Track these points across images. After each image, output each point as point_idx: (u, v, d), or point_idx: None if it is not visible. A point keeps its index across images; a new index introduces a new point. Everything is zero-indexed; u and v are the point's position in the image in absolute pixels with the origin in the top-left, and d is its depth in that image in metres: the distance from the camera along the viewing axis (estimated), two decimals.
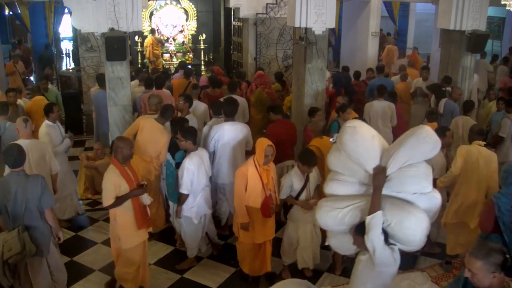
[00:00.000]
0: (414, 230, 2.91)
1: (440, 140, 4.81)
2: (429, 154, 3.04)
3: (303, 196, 4.67)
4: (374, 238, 2.94)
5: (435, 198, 3.08)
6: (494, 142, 6.39)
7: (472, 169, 4.79)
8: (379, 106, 7.11)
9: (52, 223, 4.05)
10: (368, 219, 2.95)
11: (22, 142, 4.59)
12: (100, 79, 8.08)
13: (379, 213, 2.93)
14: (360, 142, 3.05)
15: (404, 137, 3.07)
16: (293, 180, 4.64)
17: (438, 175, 4.88)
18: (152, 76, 8.24)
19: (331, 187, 3.26)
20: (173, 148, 5.06)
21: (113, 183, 4.08)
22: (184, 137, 4.65)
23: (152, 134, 5.38)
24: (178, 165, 4.89)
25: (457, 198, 4.94)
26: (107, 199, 4.11)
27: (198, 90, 7.28)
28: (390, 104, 7.20)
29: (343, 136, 3.11)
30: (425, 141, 2.98)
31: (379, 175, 3.00)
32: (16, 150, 3.91)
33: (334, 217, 3.13)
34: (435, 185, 4.20)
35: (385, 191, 3.03)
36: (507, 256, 2.46)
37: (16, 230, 3.80)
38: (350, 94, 8.48)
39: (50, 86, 8.50)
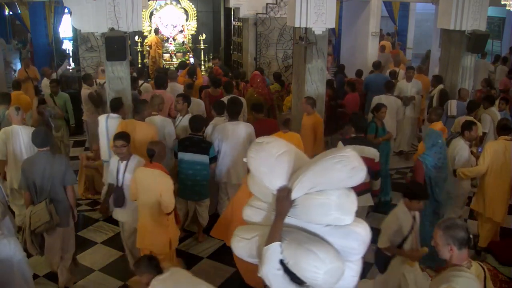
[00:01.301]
0: (313, 272, 2.32)
1: (467, 134, 5.21)
2: (345, 183, 2.45)
3: (408, 243, 3.79)
4: (267, 273, 2.41)
5: (355, 233, 2.46)
6: (480, 140, 6.51)
7: (498, 163, 5.09)
8: (387, 101, 7.31)
9: (71, 199, 4.50)
10: (263, 250, 2.43)
11: (14, 127, 5.34)
12: (86, 79, 8.08)
13: (274, 245, 2.39)
14: (264, 159, 2.52)
15: (319, 157, 2.53)
16: (402, 223, 3.71)
17: (458, 167, 5.20)
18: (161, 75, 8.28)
19: (245, 213, 2.79)
20: (191, 146, 5.19)
21: (172, 188, 4.17)
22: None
23: (137, 133, 5.23)
24: (212, 159, 5.22)
25: (483, 190, 5.25)
26: (172, 202, 4.16)
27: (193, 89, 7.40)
28: (396, 99, 7.64)
29: (248, 154, 2.62)
30: (336, 169, 2.39)
31: (282, 199, 2.46)
32: (43, 133, 4.51)
33: (243, 248, 2.66)
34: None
35: (292, 219, 2.51)
36: (471, 236, 2.66)
37: (43, 202, 4.28)
38: (342, 96, 8.47)
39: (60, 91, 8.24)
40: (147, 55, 13.25)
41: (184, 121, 5.91)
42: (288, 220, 2.49)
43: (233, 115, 5.58)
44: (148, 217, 4.27)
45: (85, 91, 7.92)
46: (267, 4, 10.69)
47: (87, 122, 8.04)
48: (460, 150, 5.23)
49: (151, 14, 13.65)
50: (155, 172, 4.17)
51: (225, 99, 6.45)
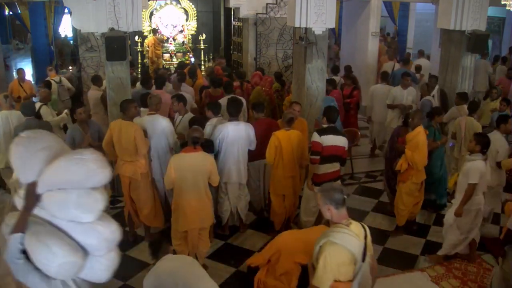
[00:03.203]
0: (45, 264, 2.46)
1: (503, 127, 5.56)
2: (83, 184, 2.58)
3: None
4: (10, 262, 2.52)
5: (95, 231, 2.61)
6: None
7: None
8: (382, 89, 8.29)
9: None
10: (8, 239, 2.54)
11: (4, 113, 6.01)
12: (95, 80, 7.98)
13: (15, 235, 2.50)
14: (20, 153, 2.61)
15: (62, 156, 2.63)
16: None
17: (502, 158, 5.46)
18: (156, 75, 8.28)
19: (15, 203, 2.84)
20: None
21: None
22: None
23: (122, 133, 5.22)
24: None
25: None
26: (219, 176, 4.97)
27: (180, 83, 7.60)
28: (390, 87, 8.24)
29: (10, 146, 2.69)
30: (71, 171, 2.54)
31: (29, 193, 2.58)
32: (33, 104, 6.07)
33: (6, 234, 2.71)
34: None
35: (43, 212, 2.61)
36: (345, 196, 2.95)
37: None
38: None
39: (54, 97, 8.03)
40: (147, 55, 13.25)
41: (184, 120, 5.92)
42: (39, 212, 2.61)
43: (234, 115, 5.59)
44: (196, 196, 4.65)
45: (94, 92, 7.68)
46: (267, 4, 10.68)
47: None
48: (501, 143, 5.49)
49: (151, 14, 13.64)
50: (200, 155, 4.65)
51: (225, 99, 6.45)
